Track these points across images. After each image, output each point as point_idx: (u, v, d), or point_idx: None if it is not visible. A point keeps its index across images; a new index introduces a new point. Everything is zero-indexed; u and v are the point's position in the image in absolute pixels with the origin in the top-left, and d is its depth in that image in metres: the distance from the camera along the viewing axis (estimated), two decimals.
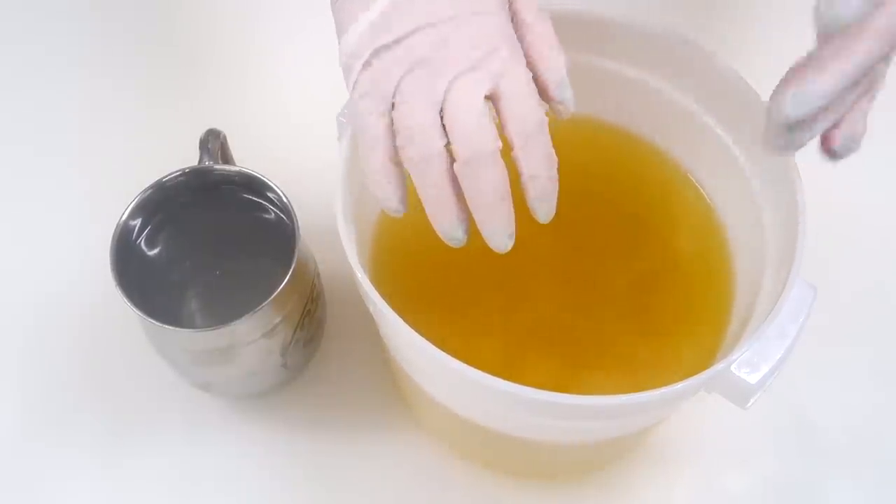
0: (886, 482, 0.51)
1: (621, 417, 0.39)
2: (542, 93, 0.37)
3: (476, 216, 0.35)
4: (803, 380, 0.52)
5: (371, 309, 0.39)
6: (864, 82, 0.34)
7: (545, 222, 0.36)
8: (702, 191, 0.49)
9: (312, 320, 0.48)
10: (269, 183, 0.46)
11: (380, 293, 0.37)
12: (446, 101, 0.34)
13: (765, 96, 0.42)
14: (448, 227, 0.36)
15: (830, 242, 0.50)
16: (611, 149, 0.50)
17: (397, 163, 0.36)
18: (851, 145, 0.35)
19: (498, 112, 0.35)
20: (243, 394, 0.52)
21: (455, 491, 0.50)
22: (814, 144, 0.35)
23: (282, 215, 0.47)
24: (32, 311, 0.55)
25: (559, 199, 0.36)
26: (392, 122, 0.35)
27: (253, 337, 0.44)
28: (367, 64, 0.35)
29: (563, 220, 0.37)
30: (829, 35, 0.32)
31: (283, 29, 0.66)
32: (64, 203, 0.59)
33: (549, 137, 0.35)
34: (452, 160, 0.35)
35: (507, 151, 0.35)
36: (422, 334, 0.36)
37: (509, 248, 0.36)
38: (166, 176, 0.46)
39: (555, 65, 0.37)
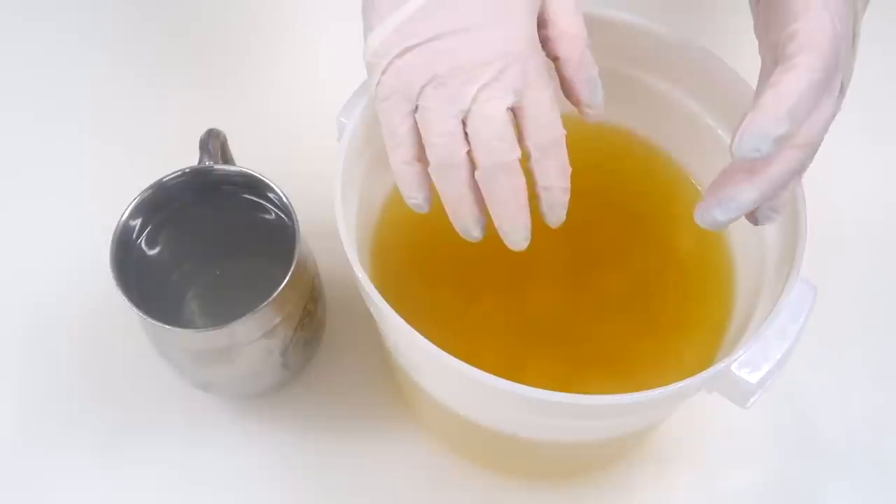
0: (886, 482, 0.51)
1: (622, 417, 0.39)
2: (572, 96, 0.39)
3: (495, 220, 0.37)
4: (803, 380, 0.53)
5: (371, 309, 0.39)
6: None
7: (556, 227, 0.38)
8: (702, 191, 0.49)
9: (312, 320, 0.48)
10: (269, 183, 0.46)
11: (380, 293, 0.37)
12: (470, 112, 0.35)
13: None
14: (466, 228, 0.37)
15: (830, 242, 0.50)
16: (612, 149, 0.50)
17: (421, 160, 0.37)
18: (772, 215, 0.37)
19: (519, 123, 0.36)
20: (243, 394, 0.52)
21: (455, 491, 0.50)
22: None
23: (282, 215, 0.47)
24: (32, 311, 0.55)
25: None
26: (416, 124, 0.36)
27: (253, 337, 0.44)
28: (392, 63, 0.36)
29: (564, 221, 0.38)
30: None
31: (284, 29, 0.66)
32: (64, 203, 0.59)
33: (565, 151, 0.37)
34: (473, 167, 0.36)
35: (524, 159, 0.36)
36: (422, 334, 0.36)
37: (525, 247, 0.37)
38: (166, 176, 0.46)
39: (587, 69, 0.38)
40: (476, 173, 0.36)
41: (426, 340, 0.35)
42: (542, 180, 0.36)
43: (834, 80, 0.34)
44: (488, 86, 0.35)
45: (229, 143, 0.49)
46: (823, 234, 0.45)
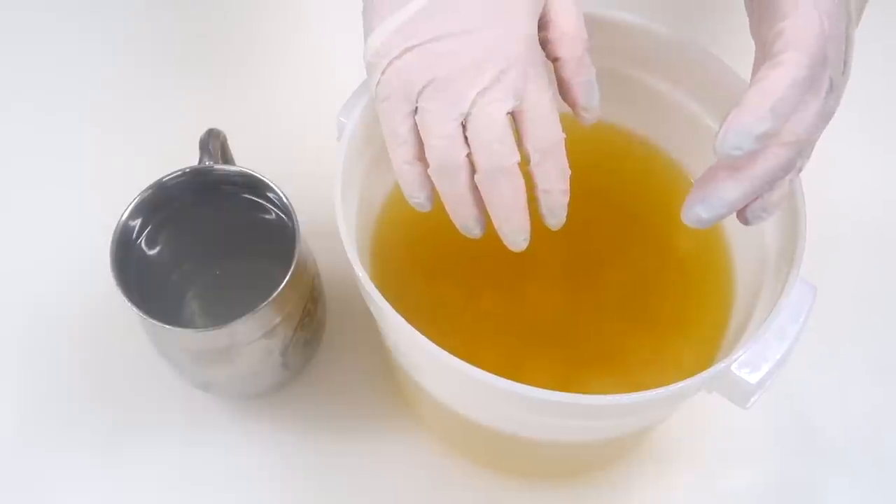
0: (885, 482, 0.51)
1: (622, 416, 0.39)
2: (569, 98, 0.39)
3: (494, 221, 0.37)
4: (803, 380, 0.53)
5: (372, 308, 0.39)
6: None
7: (556, 230, 0.38)
8: None
9: (312, 320, 0.49)
10: (269, 183, 0.46)
11: (380, 292, 0.37)
12: (470, 115, 0.35)
13: None
14: (467, 227, 0.38)
15: (830, 242, 0.50)
16: (611, 149, 0.50)
17: (422, 160, 0.37)
18: (762, 215, 0.37)
19: (518, 126, 0.36)
20: (243, 394, 0.52)
21: (455, 491, 0.50)
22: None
23: (282, 215, 0.47)
24: (32, 311, 0.55)
25: None
26: (416, 124, 0.36)
27: (253, 337, 0.44)
28: (391, 64, 0.36)
29: (565, 223, 0.38)
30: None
31: (284, 29, 0.66)
32: (64, 203, 0.59)
33: (565, 154, 0.37)
34: (473, 169, 0.36)
35: (523, 163, 0.36)
36: (422, 333, 0.36)
37: (524, 248, 0.37)
38: (166, 176, 0.46)
39: (585, 72, 0.38)
40: (476, 176, 0.36)
41: (426, 340, 0.35)
42: (541, 183, 0.36)
43: (821, 78, 0.34)
44: (488, 89, 0.35)
45: (229, 143, 0.49)
46: (823, 233, 0.45)
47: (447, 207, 0.37)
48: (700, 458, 0.51)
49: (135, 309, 0.42)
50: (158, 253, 0.48)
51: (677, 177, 0.50)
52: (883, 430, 0.52)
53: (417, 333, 0.36)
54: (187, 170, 0.46)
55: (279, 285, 0.43)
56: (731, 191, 0.34)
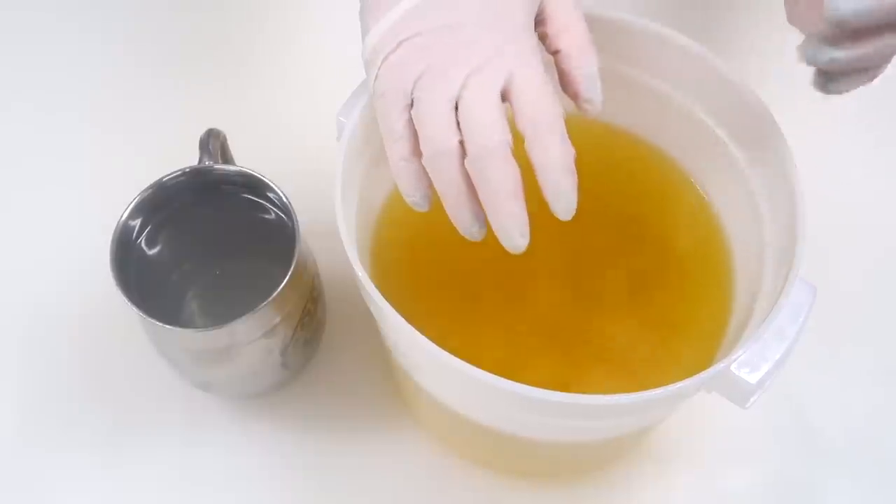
0: (886, 482, 0.51)
1: (621, 416, 0.39)
2: (570, 89, 0.38)
3: (487, 213, 0.35)
4: (803, 380, 0.53)
5: (372, 308, 0.39)
6: None
7: (566, 219, 0.35)
8: (701, 191, 0.49)
9: (312, 320, 0.49)
10: (269, 183, 0.46)
11: (380, 292, 0.37)
12: (461, 98, 0.35)
13: (765, 97, 0.43)
14: (464, 223, 0.36)
15: (830, 242, 0.50)
16: (611, 149, 0.50)
17: (419, 156, 0.36)
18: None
19: (512, 107, 0.35)
20: (243, 394, 0.52)
21: (455, 491, 0.50)
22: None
23: (282, 215, 0.47)
24: (32, 311, 0.55)
25: None
26: (411, 119, 0.36)
27: (253, 337, 0.44)
28: (387, 59, 0.35)
29: (564, 220, 0.37)
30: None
31: (284, 29, 0.67)
32: (64, 203, 0.59)
33: (564, 129, 0.35)
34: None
35: (525, 163, 0.35)
36: (422, 333, 0.36)
37: (523, 248, 0.35)
38: (166, 176, 0.46)
39: (586, 62, 0.37)
40: (465, 162, 0.35)
41: (426, 339, 0.35)
42: (540, 160, 0.34)
43: None
44: (479, 70, 0.35)
45: (229, 143, 0.49)
46: (823, 234, 0.45)
47: (444, 204, 0.36)
48: (700, 458, 0.51)
49: (135, 309, 0.42)
50: (158, 253, 0.48)
51: (676, 176, 0.50)
52: (883, 430, 0.52)
53: (417, 333, 0.36)
54: (187, 170, 0.46)
55: (279, 285, 0.43)
56: None
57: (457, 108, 0.35)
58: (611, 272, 0.48)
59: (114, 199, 0.46)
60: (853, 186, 0.58)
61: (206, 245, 0.51)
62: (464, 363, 0.35)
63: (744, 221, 0.46)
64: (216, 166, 0.47)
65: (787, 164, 0.41)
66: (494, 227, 0.35)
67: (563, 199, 0.35)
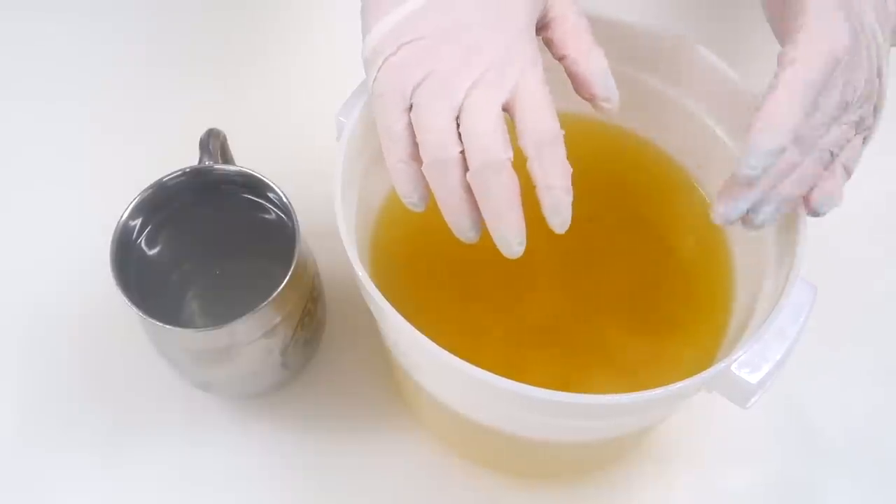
0: (886, 482, 0.51)
1: (622, 416, 0.39)
2: (585, 91, 0.38)
3: (487, 223, 0.36)
4: (803, 380, 0.52)
5: (372, 307, 0.39)
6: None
7: (561, 233, 0.36)
8: (702, 191, 0.49)
9: (312, 320, 0.48)
10: (269, 183, 0.46)
11: (380, 292, 0.37)
12: (463, 110, 0.35)
13: None
14: (461, 229, 0.37)
15: (830, 242, 0.50)
16: (612, 149, 0.50)
17: (417, 159, 0.36)
18: (829, 202, 0.38)
19: (514, 121, 0.36)
20: (243, 394, 0.52)
21: (455, 491, 0.50)
22: None
23: (282, 215, 0.47)
24: (32, 311, 0.55)
25: None
26: (411, 122, 0.36)
27: (253, 337, 0.44)
28: (387, 60, 0.35)
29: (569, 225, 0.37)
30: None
31: (284, 29, 0.67)
32: (64, 203, 0.59)
33: (563, 148, 0.36)
34: (467, 167, 0.35)
35: (524, 164, 0.35)
36: (422, 332, 0.36)
37: (519, 254, 0.36)
38: (166, 176, 0.46)
39: (596, 63, 0.38)
40: (468, 174, 0.35)
41: (426, 339, 0.35)
42: (541, 180, 0.35)
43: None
44: (481, 81, 0.35)
45: (229, 143, 0.49)
46: (823, 234, 0.45)
47: (441, 208, 0.36)
48: (700, 458, 0.51)
49: (135, 309, 0.42)
50: (158, 253, 0.48)
51: (677, 177, 0.50)
52: (883, 430, 0.52)
53: (417, 333, 0.36)
54: (187, 170, 0.46)
55: (279, 285, 0.43)
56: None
57: (458, 116, 0.35)
58: (612, 272, 0.48)
59: (114, 199, 0.46)
60: (853, 187, 0.58)
61: (206, 245, 0.51)
62: (464, 362, 0.35)
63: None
64: (216, 166, 0.47)
65: None
66: (493, 237, 0.36)
67: (561, 215, 0.36)
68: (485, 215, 0.36)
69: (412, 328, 0.36)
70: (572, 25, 0.38)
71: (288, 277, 0.43)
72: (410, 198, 0.37)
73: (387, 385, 0.52)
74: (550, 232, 0.37)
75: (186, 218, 0.48)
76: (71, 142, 0.62)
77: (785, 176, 0.37)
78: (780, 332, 0.37)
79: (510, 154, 0.35)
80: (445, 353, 0.35)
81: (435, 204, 0.37)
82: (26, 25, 0.67)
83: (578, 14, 0.38)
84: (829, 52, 0.35)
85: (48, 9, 0.67)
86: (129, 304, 0.42)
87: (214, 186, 0.47)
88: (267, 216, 0.49)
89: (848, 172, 0.39)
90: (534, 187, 0.36)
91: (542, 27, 0.39)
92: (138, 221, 0.46)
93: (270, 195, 0.46)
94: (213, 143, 0.47)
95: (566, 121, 0.37)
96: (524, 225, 0.35)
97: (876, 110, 0.38)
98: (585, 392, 0.34)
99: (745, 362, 0.36)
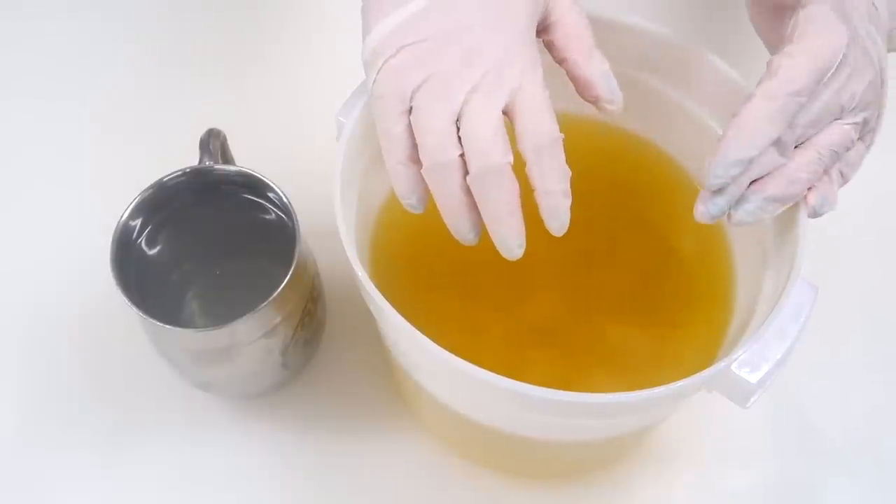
0: (885, 482, 0.51)
1: (622, 415, 0.39)
2: (589, 93, 0.38)
3: (487, 226, 0.36)
4: (803, 380, 0.53)
5: (372, 307, 0.39)
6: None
7: (559, 235, 0.37)
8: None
9: (312, 320, 0.48)
10: (269, 183, 0.46)
11: (380, 292, 0.37)
12: (463, 114, 0.35)
13: None
14: (461, 232, 0.37)
15: (831, 242, 0.50)
16: (612, 149, 0.50)
17: (416, 161, 0.36)
18: (825, 203, 0.38)
19: (513, 125, 0.36)
20: (243, 394, 0.52)
21: (455, 491, 0.50)
22: None
23: (282, 215, 0.47)
24: (32, 311, 0.55)
25: None
26: (410, 124, 0.36)
27: (253, 337, 0.44)
28: (387, 62, 0.35)
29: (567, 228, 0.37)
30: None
31: (284, 29, 0.67)
32: (64, 203, 0.59)
33: (562, 153, 0.36)
34: (467, 171, 0.35)
35: (522, 165, 0.35)
36: (422, 332, 0.36)
37: (519, 256, 0.36)
38: (166, 176, 0.46)
39: (597, 66, 0.38)
40: (468, 178, 0.35)
41: (426, 339, 0.35)
42: (540, 184, 0.35)
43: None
44: (481, 86, 0.35)
45: (229, 143, 0.49)
46: (823, 234, 0.45)
47: (441, 211, 0.37)
48: (700, 458, 0.51)
49: (135, 309, 0.42)
50: (158, 253, 0.48)
51: (678, 177, 0.50)
52: (883, 430, 0.52)
53: (417, 332, 0.36)
54: (187, 170, 0.46)
55: (279, 285, 0.43)
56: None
57: (458, 119, 0.35)
58: (612, 272, 0.48)
59: (114, 199, 0.46)
60: (854, 186, 0.58)
61: (206, 245, 0.51)
62: (464, 362, 0.35)
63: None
64: (216, 166, 0.47)
65: None
66: (494, 239, 0.36)
67: (559, 219, 0.36)
68: (485, 219, 0.36)
69: (412, 328, 0.36)
70: (573, 27, 0.38)
71: (288, 277, 0.43)
72: (409, 199, 0.37)
73: (387, 385, 0.52)
74: (550, 233, 0.38)
75: (186, 218, 0.48)
76: (71, 142, 0.62)
77: (769, 176, 0.37)
78: (781, 332, 0.37)
79: (510, 158, 0.35)
80: (445, 352, 0.35)
81: (434, 204, 0.37)
82: (26, 25, 0.67)
83: (579, 16, 0.38)
84: (816, 61, 0.35)
85: (48, 9, 0.67)
86: (129, 304, 0.42)
87: (214, 186, 0.47)
88: (267, 216, 0.49)
89: (844, 177, 0.39)
90: (532, 187, 0.36)
91: (542, 29, 0.39)
92: (138, 221, 0.46)
93: (270, 195, 0.46)
94: (214, 143, 0.47)
95: (567, 121, 0.37)
96: (524, 228, 0.36)
97: (879, 115, 0.38)
98: (586, 391, 0.34)
99: (745, 362, 0.36)
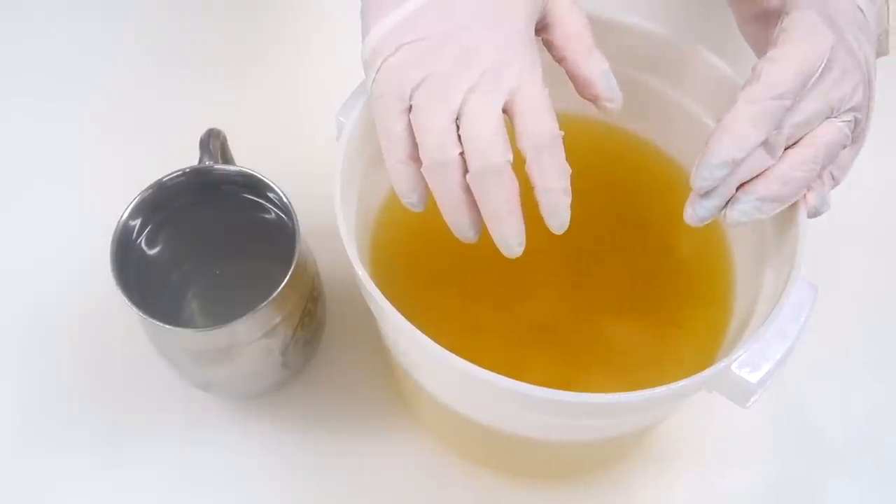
0: (885, 482, 0.51)
1: (622, 415, 0.39)
2: (588, 92, 0.38)
3: (487, 224, 0.36)
4: (803, 380, 0.53)
5: (372, 307, 0.39)
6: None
7: (559, 233, 0.37)
8: None
9: (312, 320, 0.49)
10: (269, 183, 0.46)
11: (380, 291, 0.37)
12: (462, 113, 0.35)
13: None
14: (461, 230, 0.37)
15: (830, 242, 0.50)
16: (613, 150, 0.51)
17: (416, 160, 0.36)
18: (821, 204, 0.39)
19: (513, 123, 0.36)
20: (243, 394, 0.52)
21: (455, 491, 0.50)
22: None
23: (282, 215, 0.47)
24: (32, 311, 0.55)
25: None
26: (410, 123, 0.36)
27: (253, 337, 0.44)
28: (386, 61, 0.36)
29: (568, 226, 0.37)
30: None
31: (284, 29, 0.67)
32: (64, 203, 0.59)
33: (562, 151, 0.36)
34: (466, 169, 0.35)
35: (522, 163, 0.35)
36: (422, 331, 0.36)
37: (519, 255, 0.36)
38: (166, 176, 0.46)
39: (597, 65, 0.38)
40: (467, 176, 0.35)
41: (427, 338, 0.35)
42: (540, 182, 0.35)
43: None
44: (480, 84, 0.35)
45: (229, 143, 0.49)
46: (823, 234, 0.45)
47: (441, 209, 0.37)
48: (700, 458, 0.51)
49: (135, 309, 0.42)
50: (158, 253, 0.48)
51: (678, 178, 0.50)
52: (883, 430, 0.52)
53: (417, 332, 0.36)
54: (187, 170, 0.46)
55: (279, 285, 0.43)
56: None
57: (458, 118, 0.35)
58: (612, 272, 0.48)
59: (114, 199, 0.46)
60: (854, 186, 0.58)
61: (206, 245, 0.51)
62: (464, 361, 0.35)
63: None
64: (216, 166, 0.47)
65: None
66: (494, 238, 0.36)
67: (559, 218, 0.36)
68: (485, 217, 0.36)
69: (412, 328, 0.36)
70: (572, 27, 0.38)
71: (288, 277, 0.43)
72: (409, 198, 0.38)
73: (387, 385, 0.52)
74: (551, 231, 0.38)
75: (186, 218, 0.48)
76: (71, 142, 0.62)
77: (761, 177, 0.37)
78: (781, 332, 0.37)
79: (510, 157, 0.35)
80: (445, 352, 0.35)
81: (434, 203, 0.37)
82: (26, 25, 0.67)
83: (578, 15, 0.38)
84: (800, 65, 0.35)
85: (48, 9, 0.67)
86: (129, 304, 0.42)
87: (214, 186, 0.47)
88: (267, 216, 0.49)
89: (835, 179, 0.40)
90: (532, 185, 0.36)
91: (541, 28, 0.39)
92: (138, 221, 0.46)
93: (270, 195, 0.47)
94: (213, 143, 0.47)
95: (566, 121, 0.37)
96: (524, 227, 0.36)
97: (867, 118, 0.39)
98: (586, 391, 0.34)
99: (745, 362, 0.36)
